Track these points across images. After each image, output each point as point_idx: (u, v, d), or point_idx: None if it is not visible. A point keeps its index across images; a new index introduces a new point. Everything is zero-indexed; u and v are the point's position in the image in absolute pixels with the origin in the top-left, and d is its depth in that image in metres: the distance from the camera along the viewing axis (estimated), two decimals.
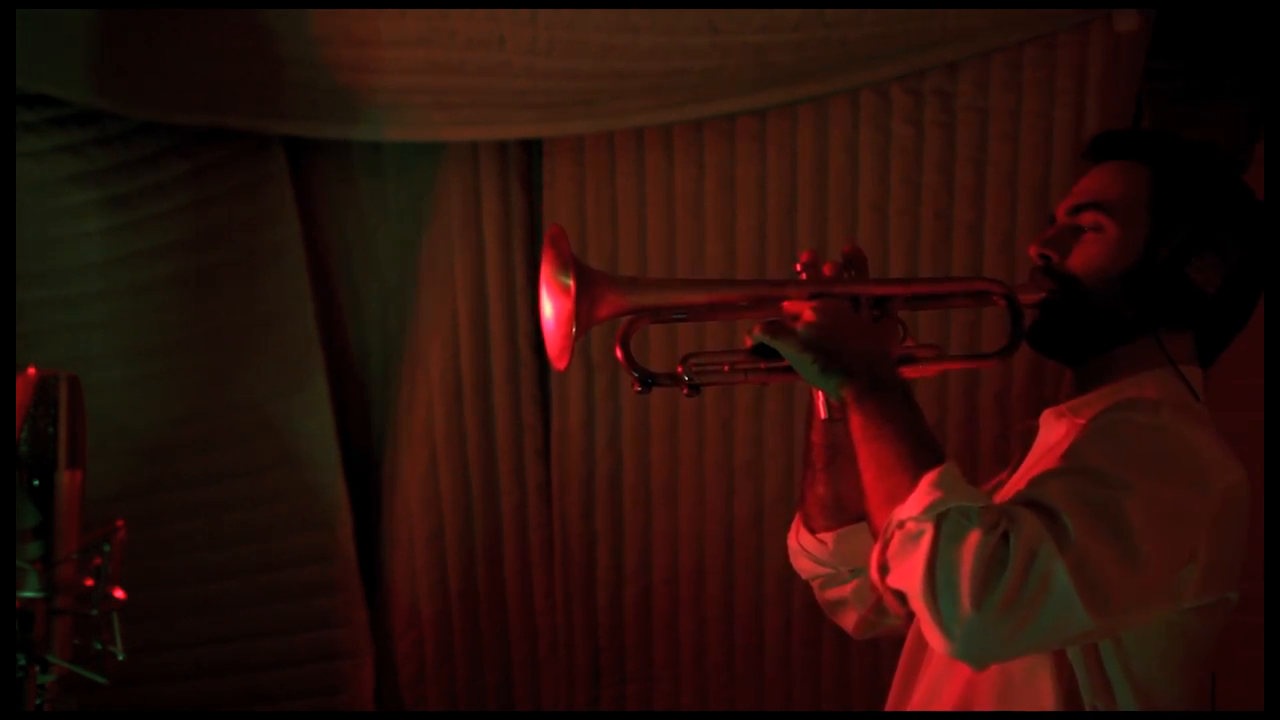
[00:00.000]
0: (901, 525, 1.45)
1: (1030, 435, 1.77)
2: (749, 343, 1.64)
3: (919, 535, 1.42)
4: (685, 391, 1.66)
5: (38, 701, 1.99)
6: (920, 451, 1.50)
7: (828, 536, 1.81)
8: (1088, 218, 1.73)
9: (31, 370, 2.03)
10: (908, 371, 1.68)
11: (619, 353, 1.65)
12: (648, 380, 1.66)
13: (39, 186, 2.91)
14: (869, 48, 2.66)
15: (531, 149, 3.01)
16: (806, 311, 1.60)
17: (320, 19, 2.72)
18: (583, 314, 1.57)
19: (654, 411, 2.98)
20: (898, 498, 1.47)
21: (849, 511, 1.81)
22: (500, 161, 3.00)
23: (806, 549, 1.84)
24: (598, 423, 3.01)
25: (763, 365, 1.66)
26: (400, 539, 3.09)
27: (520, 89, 2.77)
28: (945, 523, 1.42)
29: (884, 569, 1.47)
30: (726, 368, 1.67)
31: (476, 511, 3.07)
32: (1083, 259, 1.71)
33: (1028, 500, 1.47)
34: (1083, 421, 1.63)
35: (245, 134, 2.96)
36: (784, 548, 1.91)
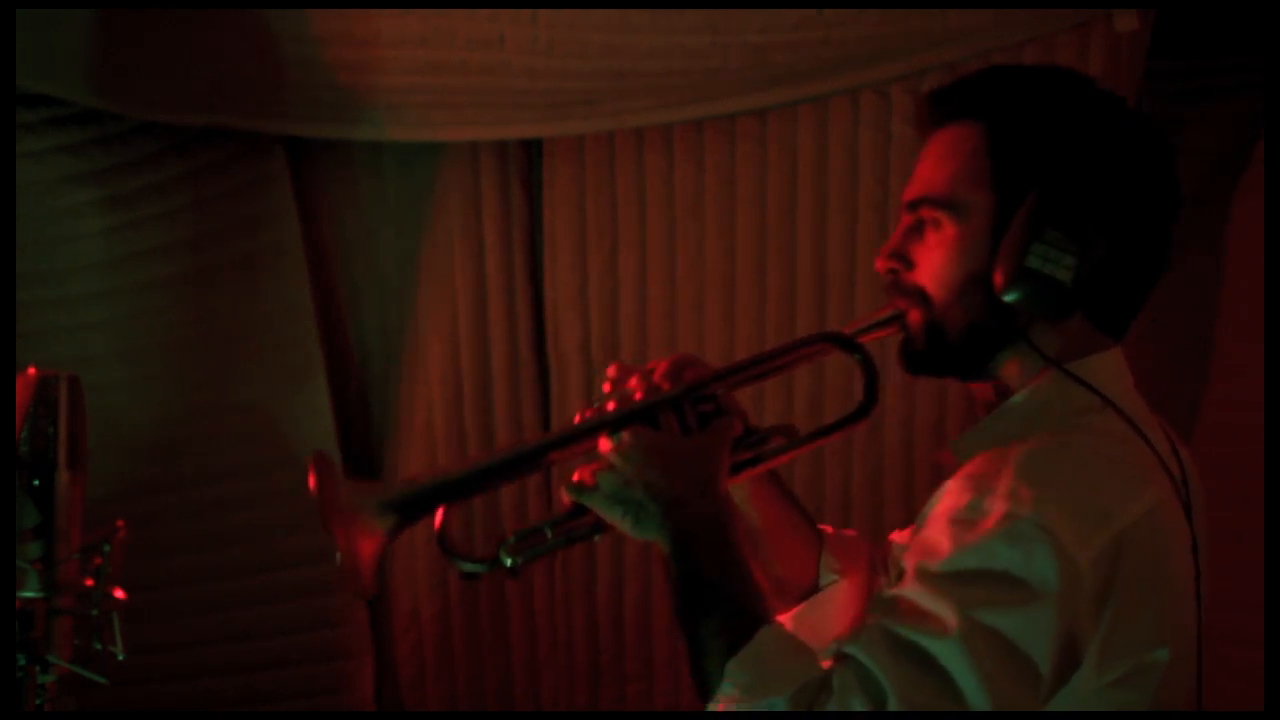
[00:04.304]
0: None
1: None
2: (566, 503, 1.48)
3: None
4: (509, 578, 1.50)
5: (38, 701, 1.99)
6: (732, 625, 1.36)
7: (784, 619, 1.62)
8: (925, 213, 1.45)
9: (31, 370, 2.02)
10: (759, 470, 1.52)
11: (440, 547, 1.52)
12: (468, 574, 1.52)
13: (39, 186, 2.90)
14: (869, 48, 2.66)
15: (531, 149, 3.01)
16: (605, 457, 1.41)
17: (320, 19, 2.72)
18: (356, 542, 1.46)
19: None
20: (709, 688, 1.36)
21: (795, 590, 1.66)
22: (500, 161, 3.00)
23: None
24: None
25: (591, 521, 1.49)
26: (400, 539, 3.08)
27: (520, 89, 2.76)
28: None
29: None
30: (549, 535, 1.50)
31: (476, 511, 3.07)
32: (927, 267, 1.45)
33: (846, 654, 1.31)
34: (964, 471, 1.40)
35: (245, 134, 2.95)
36: None
